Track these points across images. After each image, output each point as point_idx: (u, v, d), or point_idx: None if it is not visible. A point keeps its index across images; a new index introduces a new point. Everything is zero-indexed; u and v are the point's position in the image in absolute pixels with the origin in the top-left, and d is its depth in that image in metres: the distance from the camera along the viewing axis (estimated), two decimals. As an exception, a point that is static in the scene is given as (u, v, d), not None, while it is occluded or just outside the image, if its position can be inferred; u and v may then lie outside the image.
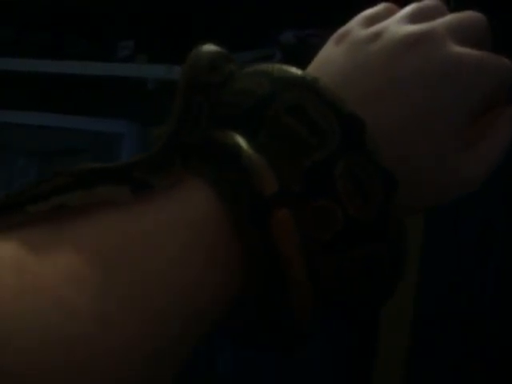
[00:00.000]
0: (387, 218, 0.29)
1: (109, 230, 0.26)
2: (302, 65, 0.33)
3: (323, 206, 0.28)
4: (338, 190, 0.28)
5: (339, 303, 0.31)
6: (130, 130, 1.44)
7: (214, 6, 1.38)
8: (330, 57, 0.34)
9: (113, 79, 1.42)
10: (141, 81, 1.40)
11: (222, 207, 0.28)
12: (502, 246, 1.06)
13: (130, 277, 0.25)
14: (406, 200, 0.30)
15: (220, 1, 1.39)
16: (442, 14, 0.34)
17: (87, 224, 0.26)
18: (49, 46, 1.54)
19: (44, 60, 1.46)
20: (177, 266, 0.26)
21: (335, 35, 0.35)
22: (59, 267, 0.24)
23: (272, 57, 1.16)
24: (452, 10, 0.35)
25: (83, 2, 1.52)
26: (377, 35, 0.33)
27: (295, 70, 0.30)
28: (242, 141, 0.28)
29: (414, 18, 0.34)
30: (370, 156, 0.29)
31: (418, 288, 1.02)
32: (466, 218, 1.06)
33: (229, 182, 0.28)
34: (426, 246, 1.01)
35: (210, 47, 0.33)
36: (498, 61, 0.33)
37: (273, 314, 0.29)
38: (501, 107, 0.34)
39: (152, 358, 0.25)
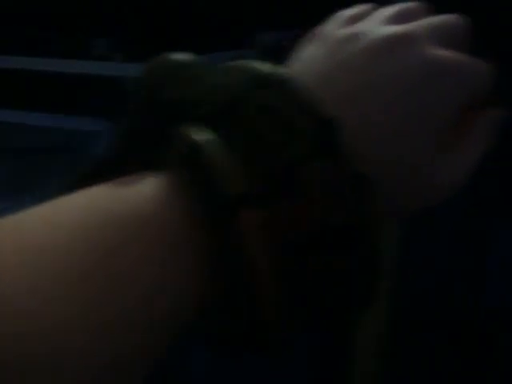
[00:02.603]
0: (361, 222, 0.28)
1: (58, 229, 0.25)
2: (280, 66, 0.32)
3: (292, 207, 0.27)
4: (308, 192, 0.27)
5: (312, 309, 0.30)
6: (104, 129, 1.43)
7: (191, 6, 1.37)
8: (308, 56, 0.33)
9: (88, 77, 1.41)
10: (117, 79, 1.39)
11: (185, 206, 0.27)
12: (477, 250, 1.07)
13: (82, 280, 0.24)
14: (381, 204, 0.29)
15: (197, 1, 1.38)
16: (422, 16, 0.34)
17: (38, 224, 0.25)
18: (23, 43, 1.52)
19: (19, 57, 1.44)
20: (136, 266, 0.25)
21: (314, 34, 0.34)
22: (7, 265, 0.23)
23: (250, 58, 1.15)
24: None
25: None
26: (356, 35, 0.32)
27: (268, 68, 0.29)
28: (208, 139, 0.27)
29: (393, 20, 0.33)
30: (343, 159, 0.28)
31: (392, 289, 1.03)
32: (442, 222, 1.06)
33: (193, 181, 0.27)
34: (401, 250, 1.02)
35: (165, 58, 0.32)
36: (477, 64, 0.33)
37: (240, 318, 0.28)
38: (478, 110, 0.34)
39: (110, 368, 0.24)
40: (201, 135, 0.28)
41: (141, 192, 0.27)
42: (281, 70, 0.30)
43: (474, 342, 1.08)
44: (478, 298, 1.06)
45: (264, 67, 0.29)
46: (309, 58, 0.33)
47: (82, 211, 0.27)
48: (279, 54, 0.34)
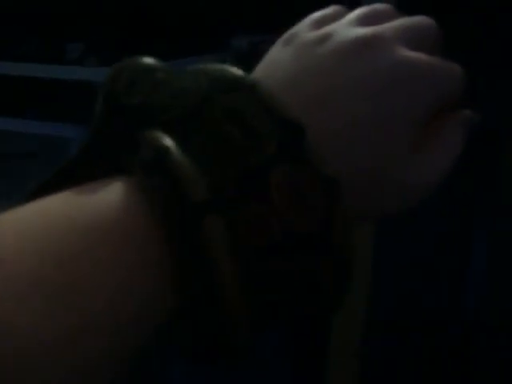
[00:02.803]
0: (330, 228, 0.28)
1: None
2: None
3: (258, 212, 0.27)
4: (274, 197, 0.26)
5: (281, 314, 0.30)
6: (78, 134, 1.42)
7: (166, 10, 1.37)
8: (277, 59, 0.33)
9: (61, 82, 1.39)
10: (90, 84, 1.38)
11: (150, 211, 0.27)
12: (455, 257, 1.08)
13: (44, 284, 0.24)
14: (352, 210, 0.29)
15: (172, 4, 1.38)
16: (391, 18, 0.34)
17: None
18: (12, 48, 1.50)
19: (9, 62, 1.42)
20: (100, 270, 0.25)
21: (283, 37, 0.34)
22: None
23: (224, 62, 1.15)
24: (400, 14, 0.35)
25: (31, 2, 1.49)
26: (324, 38, 0.32)
27: (235, 72, 0.29)
28: (171, 144, 0.27)
29: (362, 22, 0.33)
30: (310, 163, 0.27)
31: (369, 293, 1.03)
32: (418, 229, 1.07)
33: (157, 187, 0.27)
34: (376, 256, 1.02)
35: (132, 62, 0.32)
36: (449, 67, 0.33)
37: (207, 327, 0.28)
38: (449, 113, 0.34)
39: (77, 371, 0.24)
40: (166, 140, 0.27)
41: (105, 197, 0.27)
42: (247, 74, 0.29)
43: (452, 342, 1.09)
44: (459, 298, 1.07)
45: (231, 71, 0.29)
46: (277, 62, 0.33)
47: (46, 218, 0.26)
48: (254, 58, 0.34)
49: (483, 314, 1.05)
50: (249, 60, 0.33)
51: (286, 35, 0.34)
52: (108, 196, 0.27)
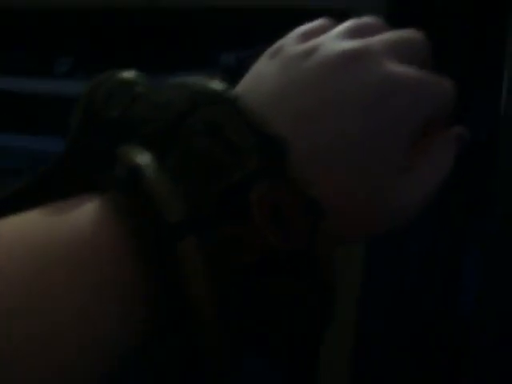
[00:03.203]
0: (312, 248, 0.27)
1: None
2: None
3: (237, 232, 0.26)
4: (254, 216, 0.26)
5: (262, 338, 0.29)
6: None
7: (155, 25, 1.36)
8: (262, 72, 0.32)
9: (51, 96, 1.39)
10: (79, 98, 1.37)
11: (123, 231, 0.26)
12: (445, 271, 1.08)
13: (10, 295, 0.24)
14: (337, 229, 0.28)
15: (160, 20, 1.38)
16: (381, 31, 0.33)
17: None
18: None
19: None
20: (67, 289, 0.25)
21: (269, 50, 0.34)
22: None
23: (212, 77, 1.15)
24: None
25: (19, 16, 1.48)
26: (311, 51, 0.31)
27: (216, 85, 0.28)
28: (147, 160, 0.26)
29: (351, 34, 0.33)
30: (291, 181, 0.26)
31: (359, 303, 1.02)
32: (408, 245, 1.06)
33: (131, 206, 0.26)
34: (367, 272, 1.01)
35: (111, 75, 0.31)
36: (439, 82, 0.32)
37: (183, 352, 0.27)
38: (438, 130, 0.34)
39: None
40: (141, 157, 0.26)
41: (79, 215, 0.26)
42: (230, 88, 0.29)
43: (443, 352, 1.08)
44: (450, 307, 1.07)
45: (212, 84, 0.28)
46: (263, 75, 0.32)
47: (20, 234, 0.26)
48: (243, 74, 0.34)
49: (480, 318, 1.05)
50: (237, 75, 0.32)
51: (272, 48, 0.34)
52: (82, 214, 0.26)
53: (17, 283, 0.24)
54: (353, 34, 0.33)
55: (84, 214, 0.26)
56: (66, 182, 0.29)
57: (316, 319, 0.28)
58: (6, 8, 1.29)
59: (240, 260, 0.26)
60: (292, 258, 0.26)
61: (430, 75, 0.32)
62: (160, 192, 0.25)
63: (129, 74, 0.31)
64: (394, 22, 0.35)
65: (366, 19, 0.34)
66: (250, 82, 0.33)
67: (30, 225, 0.26)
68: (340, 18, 0.36)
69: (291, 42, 0.33)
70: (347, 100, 0.30)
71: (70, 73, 1.44)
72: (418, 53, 0.33)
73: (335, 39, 0.32)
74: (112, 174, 0.27)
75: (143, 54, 1.41)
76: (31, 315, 0.24)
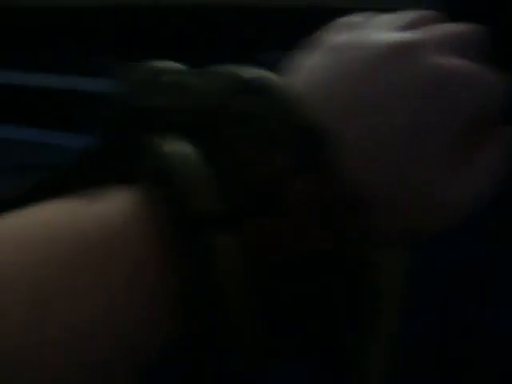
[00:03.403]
0: (353, 247, 0.26)
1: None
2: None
3: (275, 227, 0.25)
4: (292, 210, 0.24)
5: (297, 334, 0.27)
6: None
7: (191, 23, 1.37)
8: (306, 65, 0.31)
9: (87, 94, 1.40)
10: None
11: (154, 223, 0.25)
12: (483, 283, 1.05)
13: (37, 291, 0.23)
14: (381, 228, 0.27)
15: (197, 18, 1.38)
16: (433, 24, 0.32)
17: None
18: (19, 58, 1.52)
19: (14, 72, 1.44)
20: (96, 282, 0.24)
21: (312, 42, 0.32)
22: None
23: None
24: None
25: (60, 15, 1.50)
26: (359, 42, 0.30)
27: (256, 73, 0.27)
28: (181, 151, 0.25)
29: (400, 26, 0.31)
30: (333, 176, 0.25)
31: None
32: (446, 256, 1.04)
33: (162, 198, 0.25)
34: (412, 280, 0.99)
35: (145, 65, 0.30)
36: (492, 76, 0.31)
37: (213, 354, 0.27)
38: (489, 128, 0.32)
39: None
40: (174, 146, 0.25)
41: (106, 207, 0.26)
42: (268, 76, 0.27)
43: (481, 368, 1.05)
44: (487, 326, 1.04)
45: (249, 72, 0.27)
46: (307, 67, 0.31)
47: (46, 226, 0.25)
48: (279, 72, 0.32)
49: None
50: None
51: (316, 40, 0.32)
52: (112, 205, 0.26)
53: (44, 275, 0.24)
54: (401, 25, 0.31)
55: (112, 205, 0.26)
56: (91, 175, 0.29)
57: (353, 325, 0.27)
58: (28, 7, 1.31)
59: (275, 255, 0.24)
60: (328, 257, 0.25)
61: (483, 69, 0.31)
62: (193, 183, 0.24)
63: (163, 64, 0.30)
64: (449, 16, 0.34)
65: (418, 12, 0.33)
66: (291, 74, 0.31)
67: (54, 216, 0.26)
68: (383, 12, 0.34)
69: (336, 34, 0.32)
70: (397, 92, 0.29)
71: (105, 71, 1.45)
72: (472, 46, 0.31)
73: (383, 31, 0.31)
74: (143, 166, 0.26)
75: (179, 52, 1.41)
76: (71, 312, 0.23)
